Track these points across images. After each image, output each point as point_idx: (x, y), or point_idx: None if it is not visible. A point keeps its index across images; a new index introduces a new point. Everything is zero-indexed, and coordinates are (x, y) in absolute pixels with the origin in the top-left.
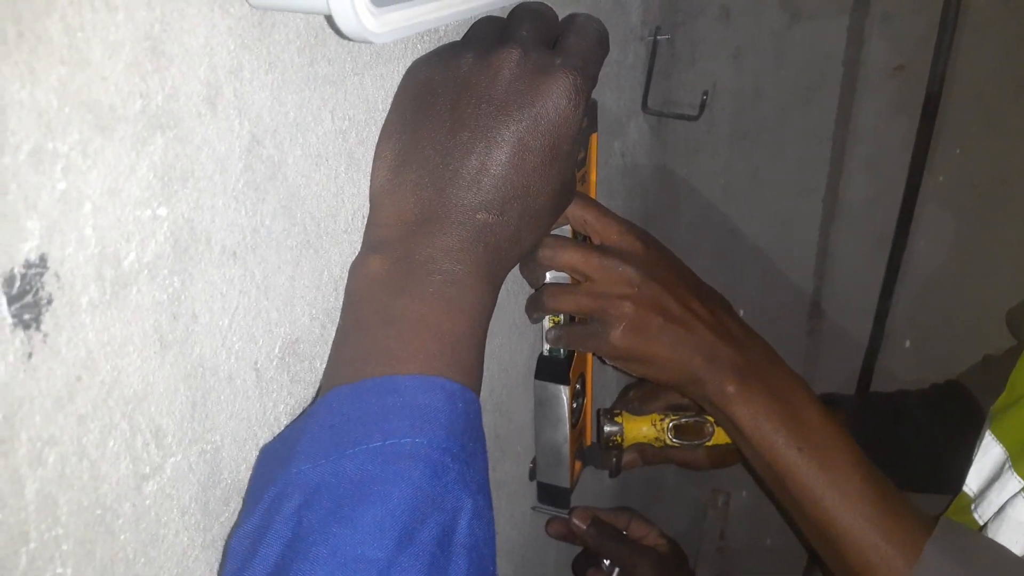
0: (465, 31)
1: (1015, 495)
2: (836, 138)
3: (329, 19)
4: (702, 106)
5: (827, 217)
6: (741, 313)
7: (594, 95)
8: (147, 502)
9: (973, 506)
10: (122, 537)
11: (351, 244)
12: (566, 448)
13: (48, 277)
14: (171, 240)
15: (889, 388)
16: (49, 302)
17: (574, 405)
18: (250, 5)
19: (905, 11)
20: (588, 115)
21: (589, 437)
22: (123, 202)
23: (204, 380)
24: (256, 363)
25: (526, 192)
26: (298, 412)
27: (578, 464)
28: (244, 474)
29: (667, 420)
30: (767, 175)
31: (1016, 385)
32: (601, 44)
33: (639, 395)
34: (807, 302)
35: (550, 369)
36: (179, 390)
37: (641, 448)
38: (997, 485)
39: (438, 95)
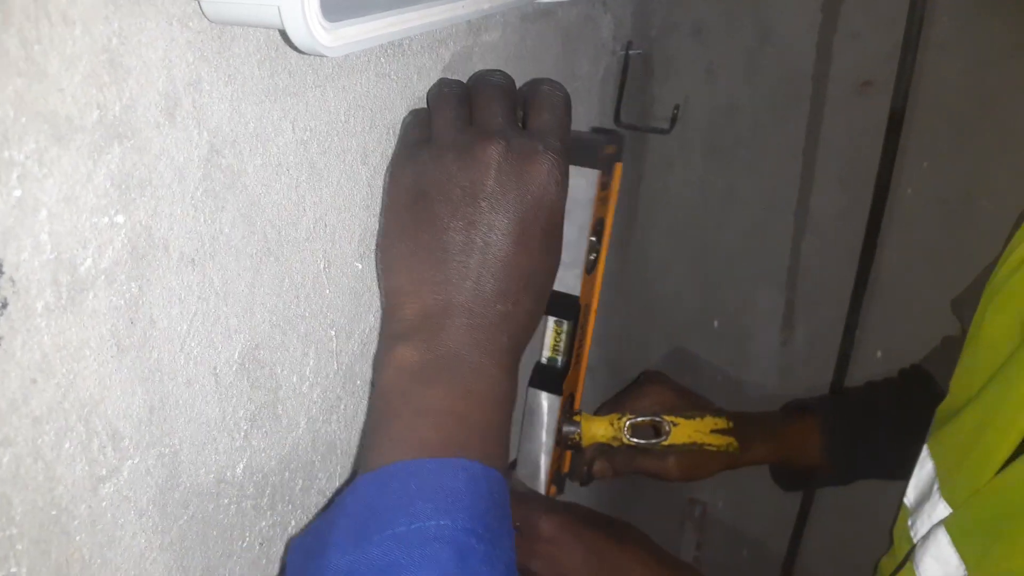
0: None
1: (938, 524)
2: (807, 152)
3: (284, 33)
4: (673, 119)
5: (799, 230)
6: (715, 324)
7: None
8: (103, 504)
9: (909, 522)
10: (78, 538)
11: (313, 252)
12: (546, 461)
13: (3, 282)
14: (128, 246)
15: None
16: (4, 306)
17: (564, 428)
18: (208, 20)
19: (871, 29)
20: (616, 143)
21: (568, 465)
22: (79, 209)
23: (162, 384)
24: (215, 368)
25: (534, 273)
26: (258, 417)
27: (552, 489)
28: (203, 477)
29: (624, 419)
30: (740, 189)
31: (955, 392)
32: (568, 113)
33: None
34: (780, 314)
35: (545, 377)
36: (136, 394)
37: (610, 457)
38: (928, 506)
39: (433, 199)
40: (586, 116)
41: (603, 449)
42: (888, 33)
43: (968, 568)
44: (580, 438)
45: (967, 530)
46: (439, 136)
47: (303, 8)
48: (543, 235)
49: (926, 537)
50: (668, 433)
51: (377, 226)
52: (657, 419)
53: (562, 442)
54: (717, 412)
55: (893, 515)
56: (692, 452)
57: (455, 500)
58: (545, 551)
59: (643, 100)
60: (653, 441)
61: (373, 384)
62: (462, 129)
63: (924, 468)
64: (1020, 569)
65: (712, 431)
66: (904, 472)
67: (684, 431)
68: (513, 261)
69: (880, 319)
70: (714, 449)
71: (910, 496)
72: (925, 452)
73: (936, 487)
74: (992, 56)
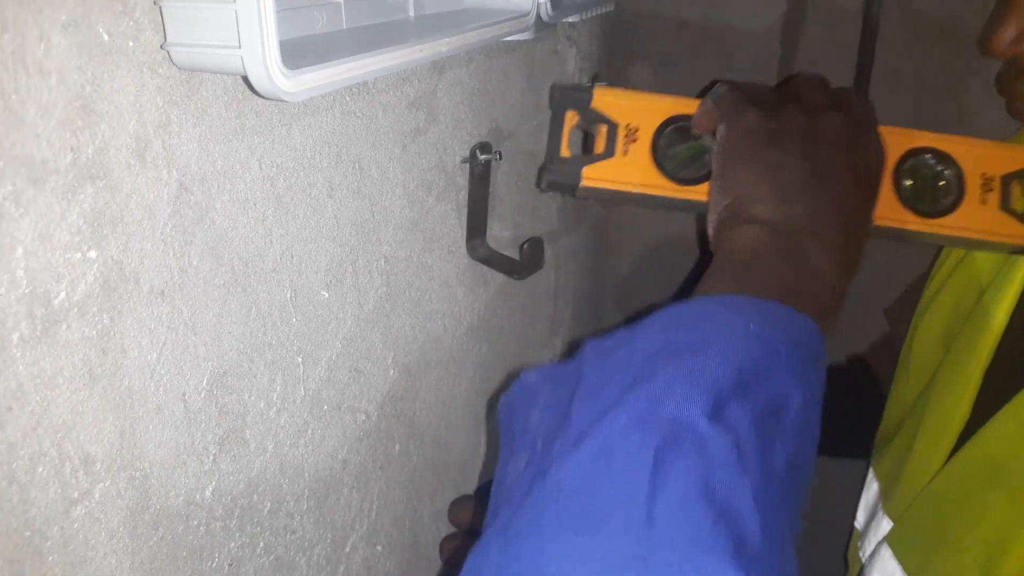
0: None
1: (882, 540)
2: None
3: (247, 79)
4: None
5: None
6: None
7: (534, 138)
8: (75, 525)
9: (859, 542)
10: (50, 558)
11: (279, 283)
12: None
13: None
14: (100, 280)
15: None
16: None
17: None
18: (176, 66)
19: (829, 60)
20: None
21: None
22: (54, 246)
23: (133, 410)
24: (184, 395)
25: (859, 215)
26: (226, 441)
27: None
28: (173, 499)
29: None
30: None
31: (890, 411)
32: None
33: None
34: None
35: None
36: (108, 420)
37: None
38: (874, 524)
39: (793, 140)
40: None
41: None
42: (844, 63)
43: None
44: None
45: (906, 541)
46: (788, 99)
47: (264, 56)
48: (869, 188)
49: (872, 555)
50: None
51: (341, 254)
52: None
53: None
54: None
55: (846, 539)
56: None
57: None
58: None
59: None
60: None
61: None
62: (809, 99)
63: (870, 490)
64: (956, 571)
65: None
66: (842, 452)
67: None
68: (850, 199)
69: (851, 335)
70: None
71: (860, 519)
72: (871, 475)
73: (880, 505)
74: (939, 85)
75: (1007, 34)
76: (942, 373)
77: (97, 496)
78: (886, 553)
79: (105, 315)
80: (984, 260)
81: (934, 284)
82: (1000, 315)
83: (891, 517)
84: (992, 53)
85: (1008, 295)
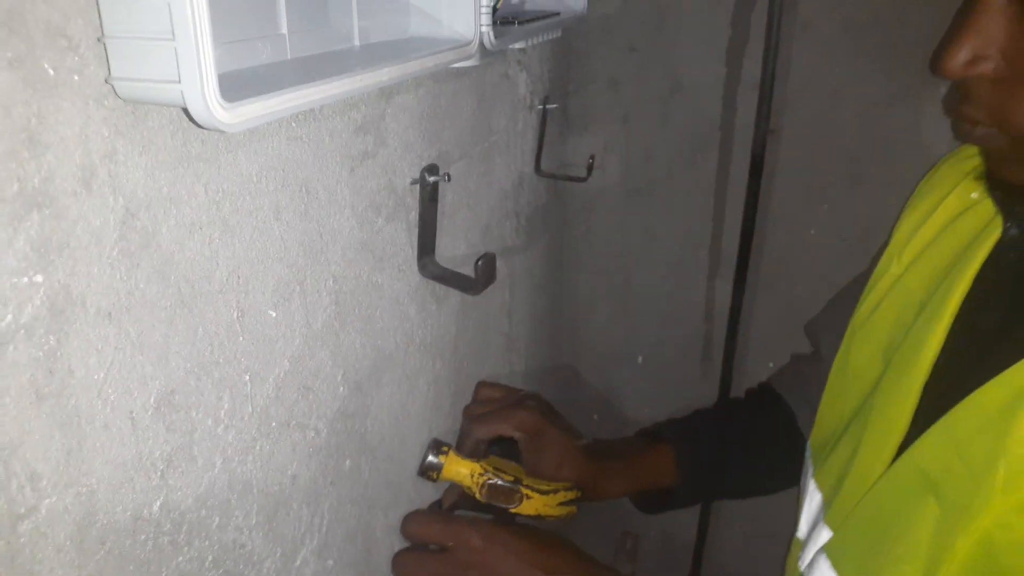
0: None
1: (820, 549)
2: (717, 194)
3: (187, 111)
4: (589, 168)
5: (713, 267)
6: (640, 360)
7: (485, 159)
8: (22, 540)
9: (801, 552)
10: None
11: (226, 303)
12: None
13: None
14: (47, 303)
15: None
16: None
17: (427, 459)
18: (121, 99)
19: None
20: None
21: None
22: (0, 271)
23: (80, 428)
24: (131, 413)
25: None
26: (174, 458)
27: None
28: (120, 515)
29: (485, 477)
30: (658, 229)
31: (824, 421)
32: None
33: (476, 413)
34: (699, 347)
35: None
36: (55, 437)
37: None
38: (814, 534)
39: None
40: (506, 167)
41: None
42: (786, 83)
43: None
44: (437, 476)
45: (844, 550)
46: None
47: (203, 90)
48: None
49: (811, 564)
50: (519, 503)
51: (289, 274)
52: (515, 487)
53: (422, 471)
54: (569, 485)
55: (785, 547)
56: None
57: None
58: (478, 560)
59: (563, 149)
60: (503, 506)
61: None
62: None
63: (814, 500)
64: None
65: (560, 503)
66: (754, 490)
67: (534, 504)
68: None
69: (792, 345)
70: (553, 518)
71: (802, 529)
72: (813, 485)
73: (822, 515)
74: (881, 102)
75: (961, 56)
76: (884, 385)
77: (44, 511)
78: (824, 564)
79: (52, 337)
80: (919, 278)
81: (872, 298)
82: (938, 331)
83: (831, 527)
84: (944, 74)
85: (946, 311)
